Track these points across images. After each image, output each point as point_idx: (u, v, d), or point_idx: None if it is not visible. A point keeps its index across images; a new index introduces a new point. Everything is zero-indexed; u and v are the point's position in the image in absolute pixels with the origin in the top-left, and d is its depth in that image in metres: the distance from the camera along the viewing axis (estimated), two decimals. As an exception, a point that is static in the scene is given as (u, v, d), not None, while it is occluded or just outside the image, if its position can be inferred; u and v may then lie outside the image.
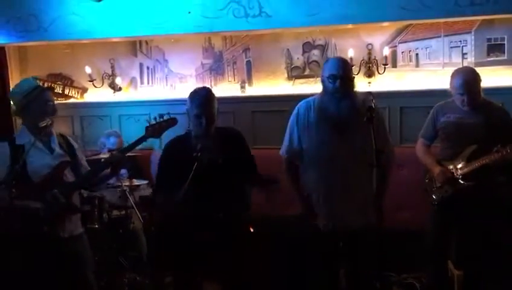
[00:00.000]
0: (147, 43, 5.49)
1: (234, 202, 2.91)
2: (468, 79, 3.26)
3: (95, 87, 5.49)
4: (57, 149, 2.94)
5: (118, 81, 5.50)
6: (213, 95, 2.94)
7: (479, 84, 3.30)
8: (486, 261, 3.41)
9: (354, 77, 2.94)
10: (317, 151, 2.91)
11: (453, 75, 3.37)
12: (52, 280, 2.81)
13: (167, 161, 3.01)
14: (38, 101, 2.87)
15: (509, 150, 3.14)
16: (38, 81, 3.10)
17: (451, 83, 3.37)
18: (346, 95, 2.83)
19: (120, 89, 5.52)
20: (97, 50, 5.48)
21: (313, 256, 3.07)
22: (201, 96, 2.87)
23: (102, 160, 3.04)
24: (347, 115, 2.83)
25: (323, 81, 2.93)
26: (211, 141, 2.87)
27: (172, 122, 2.93)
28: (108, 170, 2.96)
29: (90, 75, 5.36)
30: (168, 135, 3.05)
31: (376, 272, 3.02)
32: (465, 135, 3.31)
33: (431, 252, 3.49)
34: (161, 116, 2.93)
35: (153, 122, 2.93)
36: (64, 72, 5.70)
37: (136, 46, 5.52)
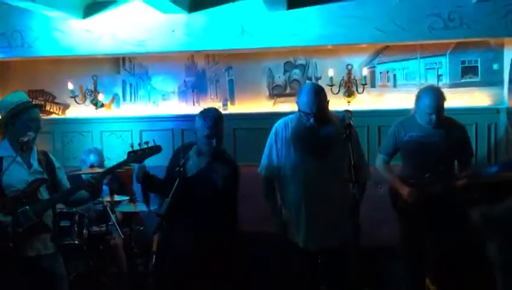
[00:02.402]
0: (130, 60, 5.53)
1: (219, 221, 2.93)
2: (438, 99, 3.34)
3: (77, 103, 5.50)
4: (35, 165, 2.91)
5: (101, 97, 5.51)
6: (223, 116, 2.99)
7: (444, 103, 3.41)
8: (460, 273, 3.49)
9: (328, 101, 2.98)
10: (294, 169, 2.96)
11: (421, 94, 3.43)
12: None
13: (171, 164, 3.09)
14: (25, 116, 2.85)
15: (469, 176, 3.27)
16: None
17: (418, 102, 3.43)
18: (322, 125, 2.89)
19: (102, 105, 5.53)
20: (80, 66, 5.50)
21: (293, 273, 3.10)
22: (214, 118, 2.90)
23: (82, 176, 3.00)
24: (323, 142, 2.89)
25: (298, 109, 2.96)
26: (206, 159, 2.91)
27: (156, 150, 2.92)
28: (87, 193, 2.93)
29: (72, 91, 5.37)
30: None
31: (355, 288, 3.05)
32: (428, 153, 3.38)
33: (406, 266, 3.55)
34: (146, 142, 2.92)
35: (137, 148, 2.92)
36: (46, 88, 5.69)
37: (119, 63, 5.56)
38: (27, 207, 2.73)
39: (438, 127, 3.37)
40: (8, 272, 2.73)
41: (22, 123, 2.85)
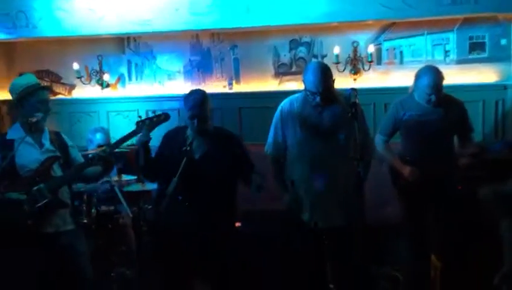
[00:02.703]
0: (135, 39, 5.51)
1: (224, 201, 2.96)
2: (437, 80, 3.32)
3: (83, 84, 5.51)
4: (47, 145, 2.95)
5: (106, 78, 5.51)
6: (206, 97, 3.00)
7: (443, 82, 3.40)
8: (463, 250, 3.52)
9: (334, 80, 2.97)
10: (300, 149, 2.97)
11: (421, 74, 3.40)
12: (37, 274, 2.81)
13: (162, 151, 3.06)
14: (33, 98, 2.87)
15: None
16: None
17: (417, 82, 3.41)
18: (328, 104, 2.89)
19: (108, 85, 5.54)
20: (85, 47, 5.49)
21: (299, 251, 3.13)
22: (195, 99, 2.92)
23: (89, 155, 3.03)
24: (329, 122, 2.88)
25: (304, 88, 2.95)
26: (206, 138, 2.93)
27: (164, 118, 2.93)
28: (99, 167, 2.98)
29: (78, 72, 5.37)
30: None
31: (360, 266, 3.08)
32: (427, 132, 3.38)
33: (410, 244, 3.58)
34: (154, 112, 2.94)
35: (145, 117, 2.94)
36: (52, 68, 5.70)
37: (124, 43, 5.54)
38: (41, 185, 2.79)
39: (437, 105, 3.36)
40: (28, 249, 2.79)
41: (31, 105, 2.88)
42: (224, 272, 2.99)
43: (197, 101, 2.92)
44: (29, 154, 2.87)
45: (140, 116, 2.97)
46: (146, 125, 2.90)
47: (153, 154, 3.05)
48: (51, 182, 2.83)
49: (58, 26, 4.79)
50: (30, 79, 2.98)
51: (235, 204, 3.10)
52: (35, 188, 2.78)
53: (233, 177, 3.00)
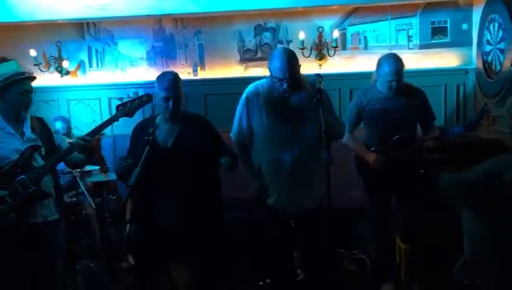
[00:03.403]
0: (95, 25, 5.34)
1: (199, 188, 2.92)
2: (398, 66, 3.39)
3: (41, 71, 5.31)
4: (28, 133, 2.83)
5: (65, 64, 5.33)
6: (179, 78, 2.94)
7: (403, 69, 3.46)
8: (426, 233, 3.61)
9: (300, 66, 2.95)
10: (267, 134, 2.94)
11: (382, 62, 3.46)
12: (26, 266, 2.75)
13: (132, 142, 2.98)
14: (16, 89, 2.73)
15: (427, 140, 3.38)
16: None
17: (379, 69, 3.47)
18: (295, 90, 2.87)
19: (68, 73, 5.36)
20: (42, 32, 5.29)
21: (268, 236, 3.13)
22: (169, 80, 2.85)
23: (69, 143, 2.90)
24: (296, 108, 2.87)
25: (270, 74, 2.91)
26: (177, 124, 2.87)
27: (147, 100, 2.81)
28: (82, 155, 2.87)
29: (35, 59, 5.17)
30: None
31: (327, 250, 3.11)
32: (390, 119, 3.45)
33: (376, 227, 3.65)
34: (136, 93, 2.84)
35: (126, 100, 2.82)
36: (7, 56, 5.43)
37: (83, 28, 5.36)
38: (23, 176, 2.70)
39: (398, 93, 3.43)
40: (15, 242, 2.71)
41: (13, 96, 2.74)
42: (205, 256, 2.95)
43: (172, 81, 2.84)
44: (9, 145, 2.76)
45: (121, 99, 2.84)
46: (127, 108, 2.79)
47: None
48: (33, 172, 2.73)
49: (12, 11, 4.58)
50: (13, 67, 2.81)
51: (218, 190, 3.05)
52: (17, 179, 2.69)
53: (211, 161, 2.96)
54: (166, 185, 2.81)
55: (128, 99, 2.84)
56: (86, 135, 2.82)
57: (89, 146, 2.77)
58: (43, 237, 2.81)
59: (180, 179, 2.82)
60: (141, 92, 2.85)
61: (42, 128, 2.90)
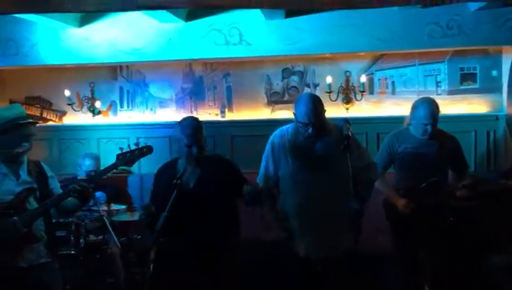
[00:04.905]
0: (127, 67, 5.50)
1: (224, 227, 2.92)
2: (434, 110, 3.38)
3: (74, 110, 5.47)
4: (24, 176, 2.84)
5: (98, 104, 5.48)
6: (201, 124, 2.99)
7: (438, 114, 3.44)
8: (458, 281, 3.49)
9: (325, 111, 2.96)
10: (293, 180, 2.94)
11: (418, 105, 3.45)
12: None
13: (156, 186, 3.03)
14: (18, 132, 2.78)
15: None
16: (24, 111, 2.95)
17: (414, 113, 3.45)
18: (320, 136, 2.87)
19: (99, 112, 5.51)
20: (77, 73, 5.47)
21: (292, 282, 3.08)
22: (193, 128, 2.90)
23: (67, 188, 2.90)
24: (322, 154, 2.87)
25: (296, 119, 2.93)
26: (199, 165, 2.90)
27: (147, 150, 2.83)
28: (75, 200, 2.86)
29: (69, 98, 5.34)
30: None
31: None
32: (422, 164, 3.40)
33: (403, 275, 3.55)
34: (136, 144, 2.85)
35: (126, 150, 2.82)
36: (43, 95, 5.66)
37: (116, 70, 5.53)
38: (15, 218, 2.68)
39: (432, 138, 3.39)
40: (2, 284, 2.68)
41: (15, 138, 2.78)
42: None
43: (195, 128, 2.90)
44: (5, 186, 2.76)
45: (121, 148, 2.84)
46: (127, 158, 2.80)
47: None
48: (26, 215, 2.71)
49: (51, 55, 4.76)
50: (17, 110, 2.88)
51: (238, 225, 3.06)
52: (9, 220, 2.67)
53: (231, 200, 2.96)
54: (187, 223, 2.81)
55: (128, 150, 2.83)
56: (84, 181, 2.84)
57: (86, 192, 2.77)
58: (26, 281, 2.74)
59: (200, 217, 2.82)
60: (148, 139, 2.87)
61: (39, 172, 2.91)
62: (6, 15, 4.21)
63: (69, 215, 3.63)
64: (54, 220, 3.05)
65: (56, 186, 2.99)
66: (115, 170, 2.89)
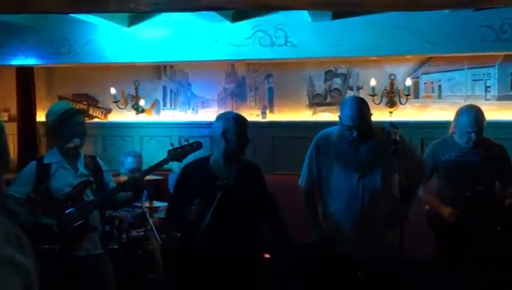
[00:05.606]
0: (171, 66, 5.59)
1: (254, 230, 2.92)
2: (479, 118, 3.28)
3: (119, 108, 5.60)
4: (81, 169, 3.00)
5: (141, 103, 5.59)
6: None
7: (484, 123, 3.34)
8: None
9: (371, 114, 2.92)
10: (337, 184, 2.91)
11: (462, 113, 3.35)
12: None
13: (184, 185, 2.96)
14: (70, 122, 2.94)
15: None
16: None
17: (458, 120, 3.35)
18: (365, 140, 2.83)
19: (143, 110, 5.61)
20: (122, 72, 5.60)
21: (331, 285, 3.05)
22: (243, 124, 2.86)
23: (121, 182, 3.05)
24: (367, 157, 2.83)
25: (341, 122, 2.90)
26: (234, 169, 2.89)
27: (197, 146, 2.93)
28: (130, 193, 2.99)
29: (115, 96, 5.47)
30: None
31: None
32: (467, 173, 3.32)
33: (446, 285, 3.46)
34: (186, 140, 2.95)
35: (177, 146, 2.95)
36: (89, 92, 5.83)
37: (160, 69, 5.63)
38: (72, 209, 2.82)
39: (477, 147, 3.29)
40: (57, 273, 2.77)
41: (68, 129, 2.94)
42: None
43: (245, 126, 2.88)
44: (63, 178, 2.92)
45: (172, 144, 2.97)
46: (178, 153, 2.89)
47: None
48: (82, 206, 2.86)
49: (100, 54, 4.87)
50: (65, 105, 3.09)
51: (261, 234, 3.05)
52: (66, 211, 2.81)
53: (258, 209, 2.95)
54: (224, 227, 2.81)
55: (179, 146, 2.95)
56: (138, 174, 3.00)
57: (140, 185, 2.94)
58: (83, 270, 2.87)
59: (236, 220, 2.82)
60: (191, 138, 2.97)
61: (94, 165, 3.08)
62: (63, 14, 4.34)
63: (120, 208, 3.76)
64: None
65: (110, 180, 3.15)
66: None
